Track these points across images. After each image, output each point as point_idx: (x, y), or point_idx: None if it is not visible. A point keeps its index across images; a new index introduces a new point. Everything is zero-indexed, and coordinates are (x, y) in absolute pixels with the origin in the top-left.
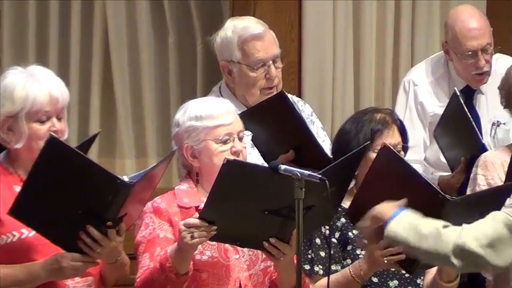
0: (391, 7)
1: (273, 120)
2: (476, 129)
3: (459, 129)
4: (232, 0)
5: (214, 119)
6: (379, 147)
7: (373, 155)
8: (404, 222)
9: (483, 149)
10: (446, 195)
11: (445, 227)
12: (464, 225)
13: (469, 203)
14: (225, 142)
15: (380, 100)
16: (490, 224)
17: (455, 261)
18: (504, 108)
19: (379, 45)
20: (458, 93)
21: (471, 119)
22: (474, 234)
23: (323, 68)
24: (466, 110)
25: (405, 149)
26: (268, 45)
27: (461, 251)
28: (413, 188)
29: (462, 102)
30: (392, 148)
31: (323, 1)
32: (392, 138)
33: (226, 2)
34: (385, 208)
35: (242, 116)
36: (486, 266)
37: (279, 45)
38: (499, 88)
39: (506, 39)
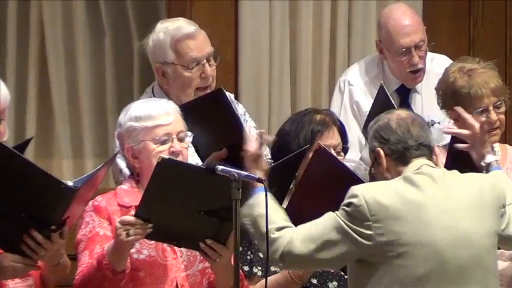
0: (327, 7)
1: (209, 116)
2: None
3: None
4: (169, 1)
5: (153, 119)
6: None
7: None
8: (255, 208)
9: None
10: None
11: (279, 229)
12: (298, 228)
13: None
14: (163, 142)
15: (317, 100)
16: (321, 226)
17: (282, 265)
18: (441, 108)
19: (315, 46)
20: (385, 86)
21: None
22: (303, 237)
23: (260, 69)
24: (393, 101)
25: (345, 150)
26: (201, 44)
27: (289, 255)
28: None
29: (388, 93)
30: (326, 148)
31: (259, 1)
32: (332, 139)
33: (163, 2)
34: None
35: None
36: (314, 267)
37: (216, 45)
38: (435, 89)
39: (443, 39)
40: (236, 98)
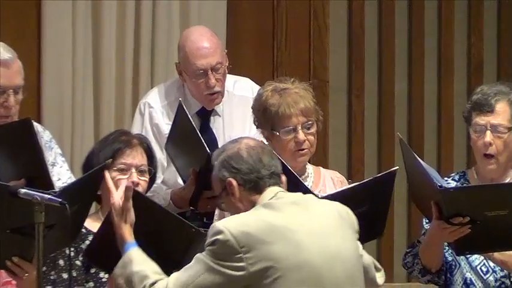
0: (130, 30)
1: (12, 144)
2: (202, 138)
3: (187, 140)
4: None
5: None
6: (120, 166)
7: (114, 174)
8: (127, 266)
9: (209, 158)
10: (201, 229)
11: (152, 284)
12: (171, 277)
13: None
14: None
15: (120, 123)
16: (193, 271)
17: None
18: (257, 128)
19: (118, 67)
20: (183, 104)
21: (196, 129)
22: (176, 286)
23: (63, 92)
24: (191, 119)
25: (150, 172)
26: (12, 74)
27: None
28: (166, 224)
29: (186, 111)
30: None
31: (62, 24)
32: (134, 158)
33: None
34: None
35: None
36: None
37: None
38: (252, 108)
39: (247, 63)
40: (39, 121)
